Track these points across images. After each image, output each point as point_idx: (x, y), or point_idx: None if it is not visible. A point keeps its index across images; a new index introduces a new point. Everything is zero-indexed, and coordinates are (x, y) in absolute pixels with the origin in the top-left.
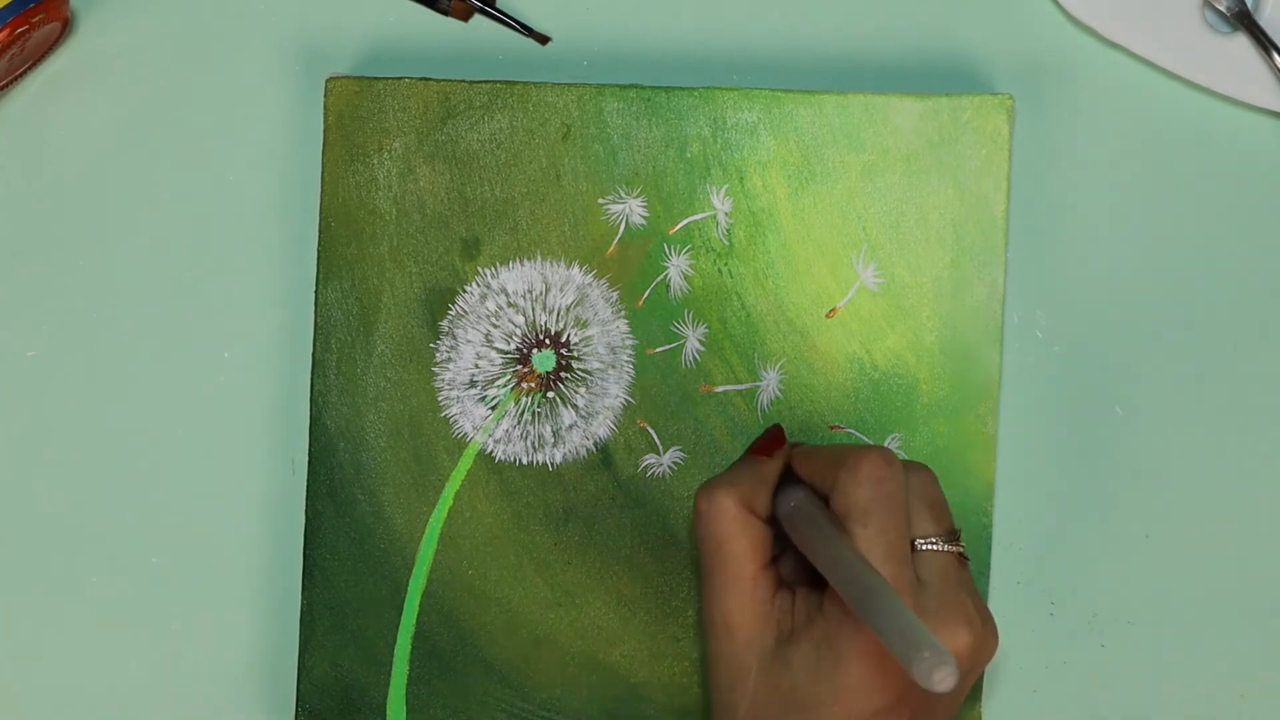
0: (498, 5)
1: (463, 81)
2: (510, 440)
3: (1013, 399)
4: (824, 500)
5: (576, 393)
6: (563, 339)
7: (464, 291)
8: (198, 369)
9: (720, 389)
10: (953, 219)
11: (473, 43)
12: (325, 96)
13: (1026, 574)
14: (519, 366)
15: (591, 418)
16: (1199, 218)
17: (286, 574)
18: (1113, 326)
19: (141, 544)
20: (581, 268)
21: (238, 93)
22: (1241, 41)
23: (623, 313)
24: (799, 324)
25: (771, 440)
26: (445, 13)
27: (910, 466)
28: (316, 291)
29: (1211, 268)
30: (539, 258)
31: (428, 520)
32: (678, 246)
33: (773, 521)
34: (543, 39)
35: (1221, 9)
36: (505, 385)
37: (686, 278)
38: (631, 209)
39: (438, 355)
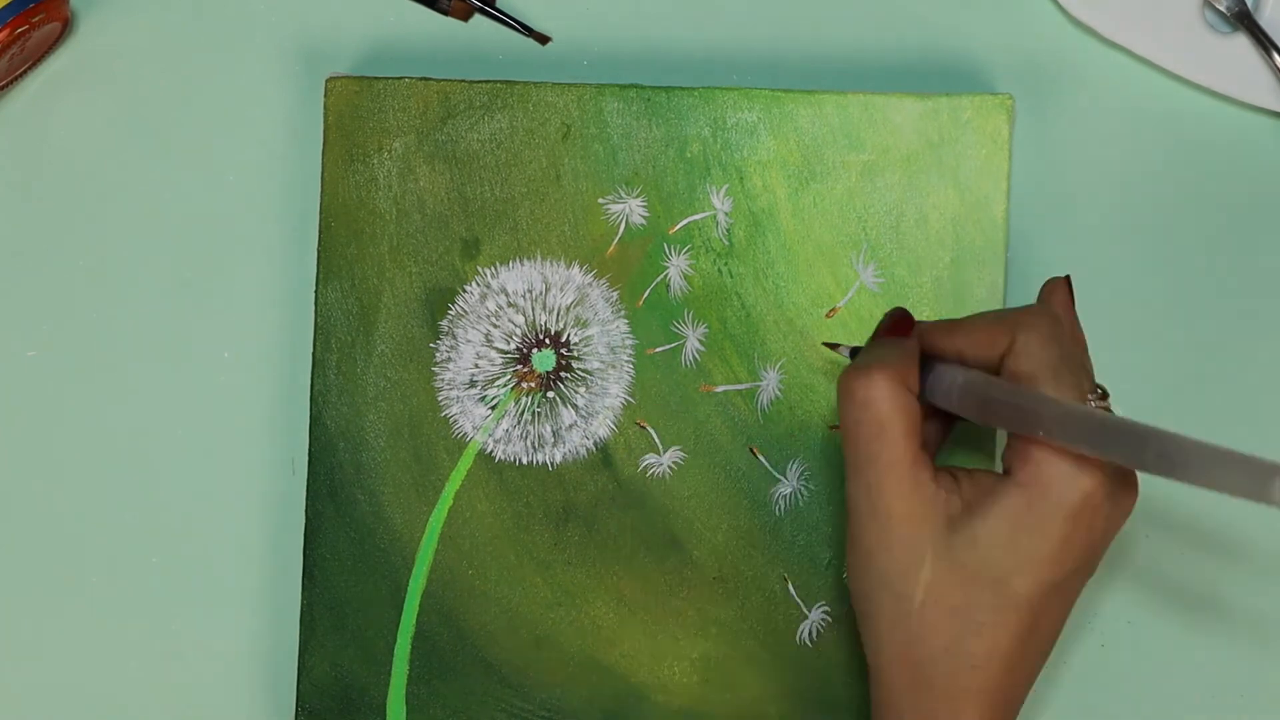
0: (498, 5)
1: (463, 81)
2: (510, 440)
3: None
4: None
5: (576, 393)
6: (563, 339)
7: (464, 291)
8: (198, 369)
9: (720, 389)
10: (953, 219)
11: (473, 43)
12: (325, 96)
13: None
14: (519, 366)
15: (591, 418)
16: (1199, 218)
17: (286, 574)
18: (1113, 326)
19: (141, 544)
20: (581, 267)
21: (238, 93)
22: (1241, 41)
23: (623, 312)
24: (799, 324)
25: (904, 319)
26: (445, 13)
27: None
28: (316, 291)
29: (1211, 267)
30: (539, 257)
31: (428, 520)
32: (678, 246)
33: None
34: (543, 39)
35: (1221, 9)
36: (505, 385)
37: (686, 278)
38: (631, 209)
39: (438, 355)
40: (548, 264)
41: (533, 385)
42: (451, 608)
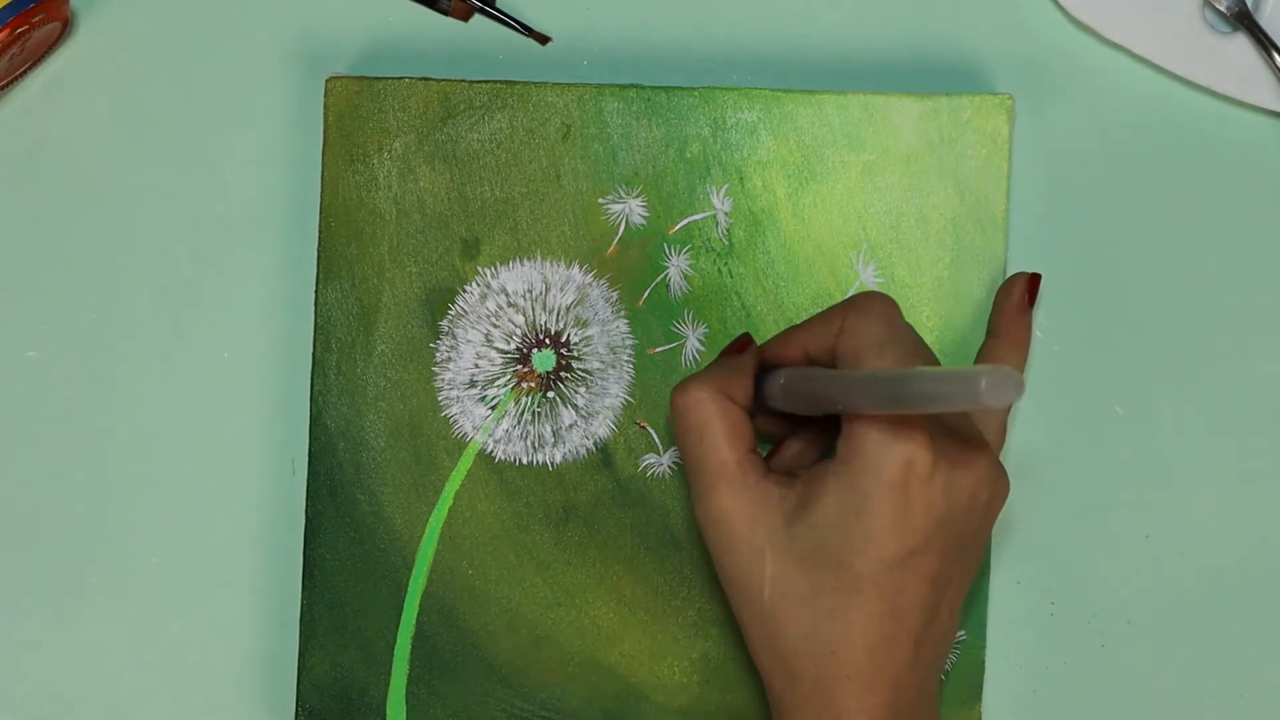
0: (498, 5)
1: (463, 81)
2: (510, 440)
3: None
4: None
5: (576, 392)
6: (563, 339)
7: (464, 291)
8: (198, 369)
9: None
10: (953, 219)
11: (473, 43)
12: (325, 96)
13: (1026, 574)
14: (519, 366)
15: (591, 417)
16: (1199, 218)
17: (286, 574)
18: (1112, 326)
19: (141, 544)
20: (581, 267)
21: (238, 93)
22: (1241, 41)
23: (623, 312)
24: None
25: (741, 339)
26: (445, 13)
27: None
28: (316, 291)
29: (1212, 267)
30: (539, 257)
31: (428, 520)
32: (678, 246)
33: (754, 415)
34: (543, 39)
35: (1221, 9)
36: (505, 385)
37: (686, 278)
38: (631, 209)
39: (438, 355)
40: (548, 264)
41: (533, 385)
42: (451, 608)
